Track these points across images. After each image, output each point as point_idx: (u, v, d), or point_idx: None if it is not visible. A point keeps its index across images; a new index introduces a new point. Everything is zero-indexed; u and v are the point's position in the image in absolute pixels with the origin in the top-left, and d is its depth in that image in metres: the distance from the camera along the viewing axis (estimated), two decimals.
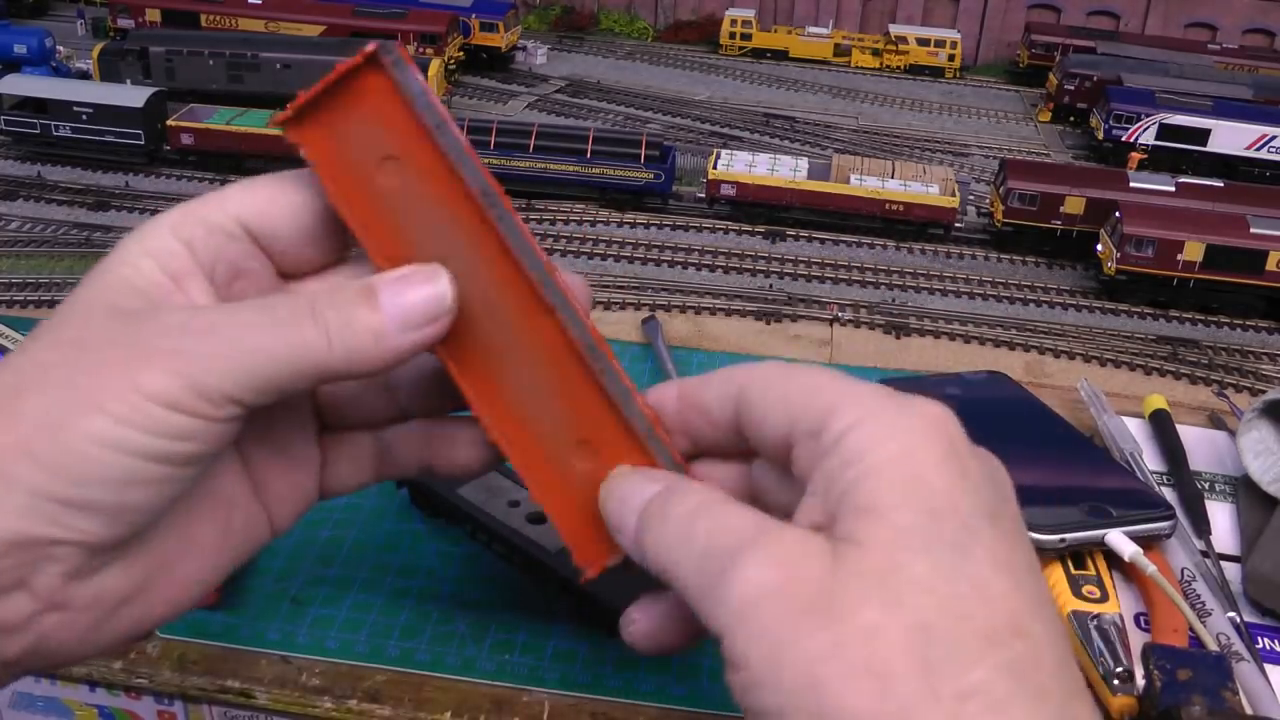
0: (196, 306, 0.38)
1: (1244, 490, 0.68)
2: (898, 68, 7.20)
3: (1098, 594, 0.58)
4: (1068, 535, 0.59)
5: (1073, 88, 6.42)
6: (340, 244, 0.41)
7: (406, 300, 0.37)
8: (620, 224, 5.09)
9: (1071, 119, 6.46)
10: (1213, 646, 0.55)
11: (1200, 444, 0.74)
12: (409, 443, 0.44)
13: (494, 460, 0.43)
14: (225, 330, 0.36)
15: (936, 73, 7.17)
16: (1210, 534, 0.65)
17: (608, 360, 0.39)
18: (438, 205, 0.38)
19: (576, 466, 0.40)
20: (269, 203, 0.40)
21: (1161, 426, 0.74)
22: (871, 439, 0.34)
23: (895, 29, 7.29)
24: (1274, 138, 5.89)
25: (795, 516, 0.34)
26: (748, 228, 5.12)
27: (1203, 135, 5.92)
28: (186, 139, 4.89)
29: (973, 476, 0.34)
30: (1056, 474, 0.66)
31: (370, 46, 0.37)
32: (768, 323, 4.46)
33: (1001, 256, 5.03)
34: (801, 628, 0.31)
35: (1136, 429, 0.74)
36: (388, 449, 0.44)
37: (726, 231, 5.04)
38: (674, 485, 0.37)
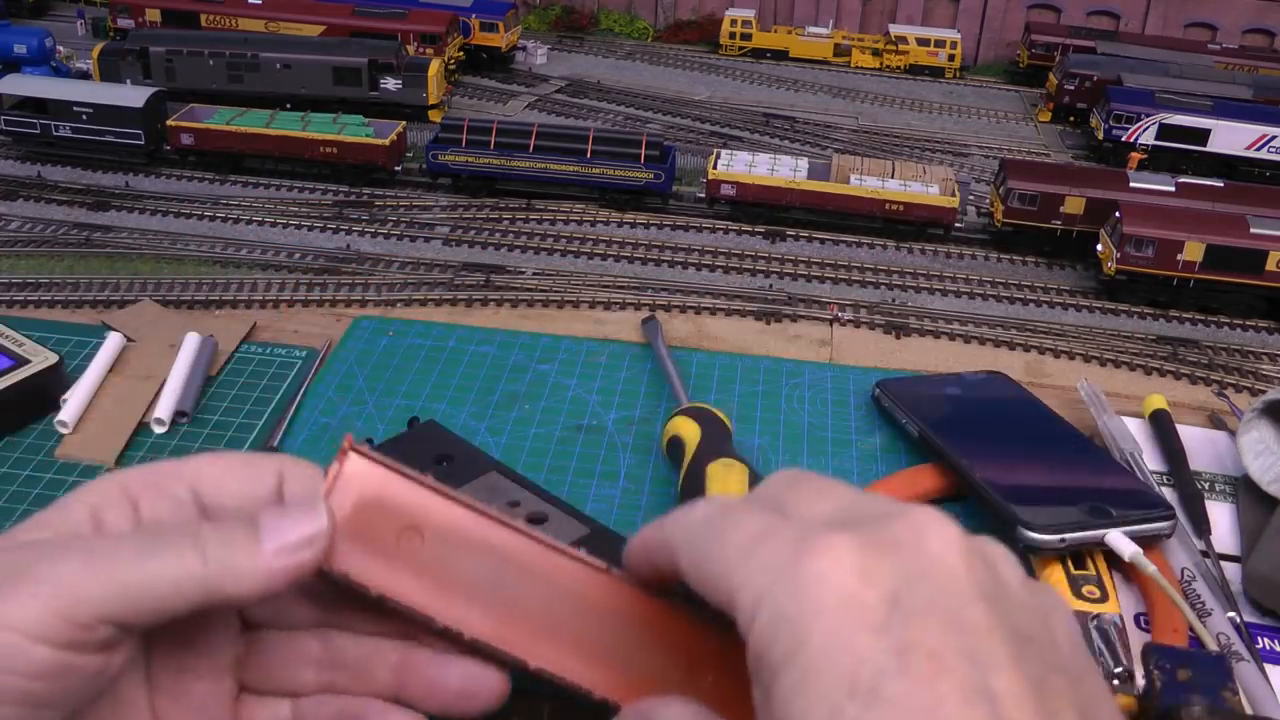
0: (83, 535, 0.38)
1: (1244, 490, 0.68)
2: (898, 68, 7.20)
3: (1098, 594, 0.58)
4: (1068, 535, 0.59)
5: (1073, 88, 6.42)
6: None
7: (287, 523, 0.38)
8: (620, 224, 5.09)
9: (1071, 119, 6.45)
10: (1213, 646, 0.55)
11: (1200, 444, 0.74)
12: (374, 659, 0.41)
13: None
14: (102, 553, 0.36)
15: (936, 73, 7.17)
16: (1210, 534, 0.65)
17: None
18: (470, 546, 0.40)
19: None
20: (227, 475, 0.40)
21: (1161, 426, 0.74)
22: (767, 635, 0.31)
23: (895, 29, 7.29)
24: (1274, 138, 5.89)
25: None
26: (748, 228, 5.12)
27: (1203, 135, 5.92)
28: (186, 139, 4.89)
29: (868, 601, 0.30)
30: (1056, 474, 0.66)
31: (344, 446, 0.40)
32: (768, 323, 4.45)
33: (1001, 256, 5.03)
34: None
35: (1136, 429, 0.74)
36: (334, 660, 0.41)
37: (726, 231, 5.04)
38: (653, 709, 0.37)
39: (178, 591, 0.36)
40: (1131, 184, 5.16)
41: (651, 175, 5.25)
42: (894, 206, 5.35)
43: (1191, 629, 0.56)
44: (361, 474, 0.40)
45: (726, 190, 5.17)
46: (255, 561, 0.38)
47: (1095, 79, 6.36)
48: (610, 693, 0.39)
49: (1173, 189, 5.06)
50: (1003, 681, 0.29)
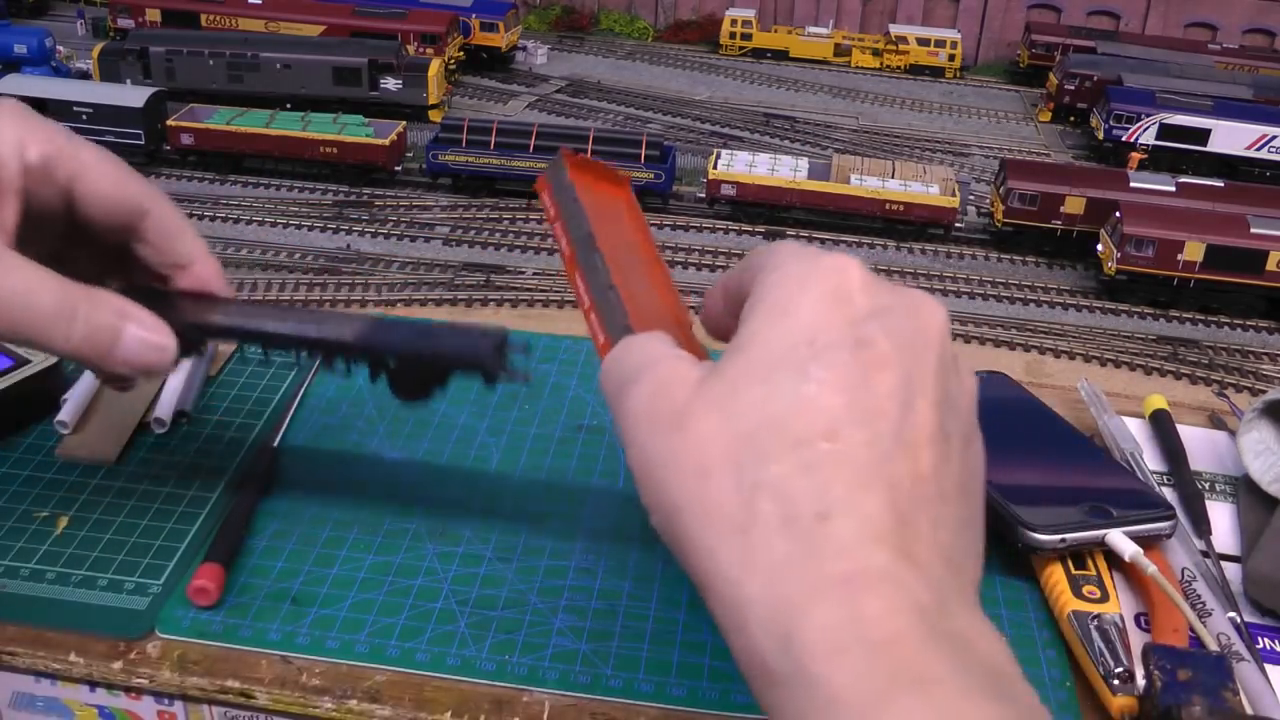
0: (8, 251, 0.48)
1: (1244, 490, 0.68)
2: (898, 68, 7.19)
3: (1098, 594, 0.58)
4: (1068, 535, 0.59)
5: (1073, 88, 6.42)
6: (136, 219, 0.53)
7: (145, 345, 0.50)
8: None
9: (1071, 119, 6.46)
10: (1213, 646, 0.55)
11: (1200, 444, 0.74)
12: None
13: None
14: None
15: (936, 73, 7.17)
16: (1210, 534, 0.65)
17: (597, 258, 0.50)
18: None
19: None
20: (104, 185, 0.51)
21: (1161, 426, 0.74)
22: (768, 285, 0.39)
23: (895, 29, 7.29)
24: (1274, 138, 5.89)
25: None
26: (748, 228, 5.12)
27: (1203, 135, 5.92)
28: (186, 139, 4.89)
29: (847, 314, 0.38)
30: (1056, 474, 0.66)
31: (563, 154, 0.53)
32: None
33: (1001, 256, 5.03)
34: (657, 439, 0.37)
35: (1136, 429, 0.74)
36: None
37: (726, 231, 5.04)
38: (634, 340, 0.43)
39: (29, 339, 0.47)
40: (1131, 184, 5.16)
41: (651, 175, 5.25)
42: (894, 206, 5.35)
43: (1191, 629, 0.56)
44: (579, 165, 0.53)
45: (727, 190, 5.17)
46: (103, 361, 0.49)
47: (1095, 79, 6.37)
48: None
49: (1173, 189, 5.06)
50: (922, 406, 0.37)
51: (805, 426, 0.35)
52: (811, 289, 0.38)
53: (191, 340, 0.53)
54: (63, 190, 0.50)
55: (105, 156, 0.52)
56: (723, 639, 0.35)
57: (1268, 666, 0.56)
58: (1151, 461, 0.71)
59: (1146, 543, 0.60)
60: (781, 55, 7.33)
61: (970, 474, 0.41)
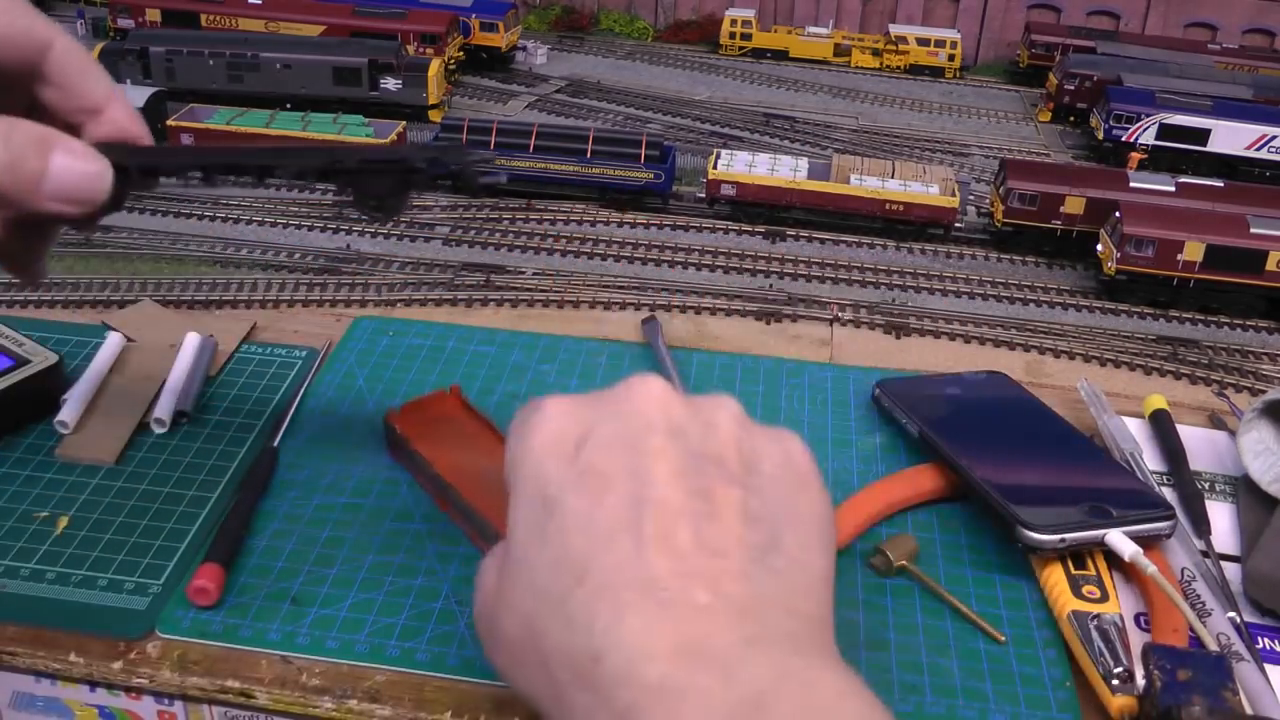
0: None
1: (1244, 490, 0.68)
2: (898, 68, 7.19)
3: (1098, 594, 0.58)
4: (1068, 535, 0.59)
5: (1073, 88, 6.42)
6: (35, 54, 0.46)
7: (74, 172, 0.43)
8: (620, 224, 5.08)
9: (1071, 119, 6.46)
10: (1213, 646, 0.55)
11: (1200, 444, 0.74)
12: None
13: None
14: None
15: (936, 73, 7.17)
16: (1210, 534, 0.65)
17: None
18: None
19: None
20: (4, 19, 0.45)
21: (1161, 426, 0.74)
22: (508, 468, 0.43)
23: (895, 29, 7.29)
24: (1274, 138, 5.89)
25: None
26: (748, 228, 5.12)
27: (1203, 135, 5.92)
28: (186, 139, 4.89)
29: (568, 448, 0.40)
30: (1056, 474, 0.66)
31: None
32: (768, 323, 4.46)
33: (1001, 256, 5.03)
34: (484, 622, 0.44)
35: (1136, 429, 0.74)
36: None
37: (726, 231, 5.04)
38: None
39: None
40: (1131, 184, 5.16)
41: (651, 175, 5.25)
42: (894, 206, 5.35)
43: (1191, 629, 0.56)
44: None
45: (726, 190, 5.17)
46: (29, 198, 0.42)
47: (1095, 79, 6.37)
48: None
49: (1173, 189, 5.06)
50: (658, 492, 0.38)
51: (558, 583, 0.37)
52: (530, 445, 0.41)
53: (135, 176, 0.47)
54: None
55: None
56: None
57: (1267, 666, 0.56)
58: (1151, 461, 0.71)
59: (1146, 543, 0.60)
60: (781, 55, 7.32)
61: (768, 510, 0.40)
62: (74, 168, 0.43)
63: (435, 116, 5.82)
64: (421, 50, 6.28)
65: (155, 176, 0.47)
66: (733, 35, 7.36)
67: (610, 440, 0.40)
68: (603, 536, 0.37)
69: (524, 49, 6.94)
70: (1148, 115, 5.96)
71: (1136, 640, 0.57)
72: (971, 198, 5.42)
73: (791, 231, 5.20)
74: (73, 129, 0.48)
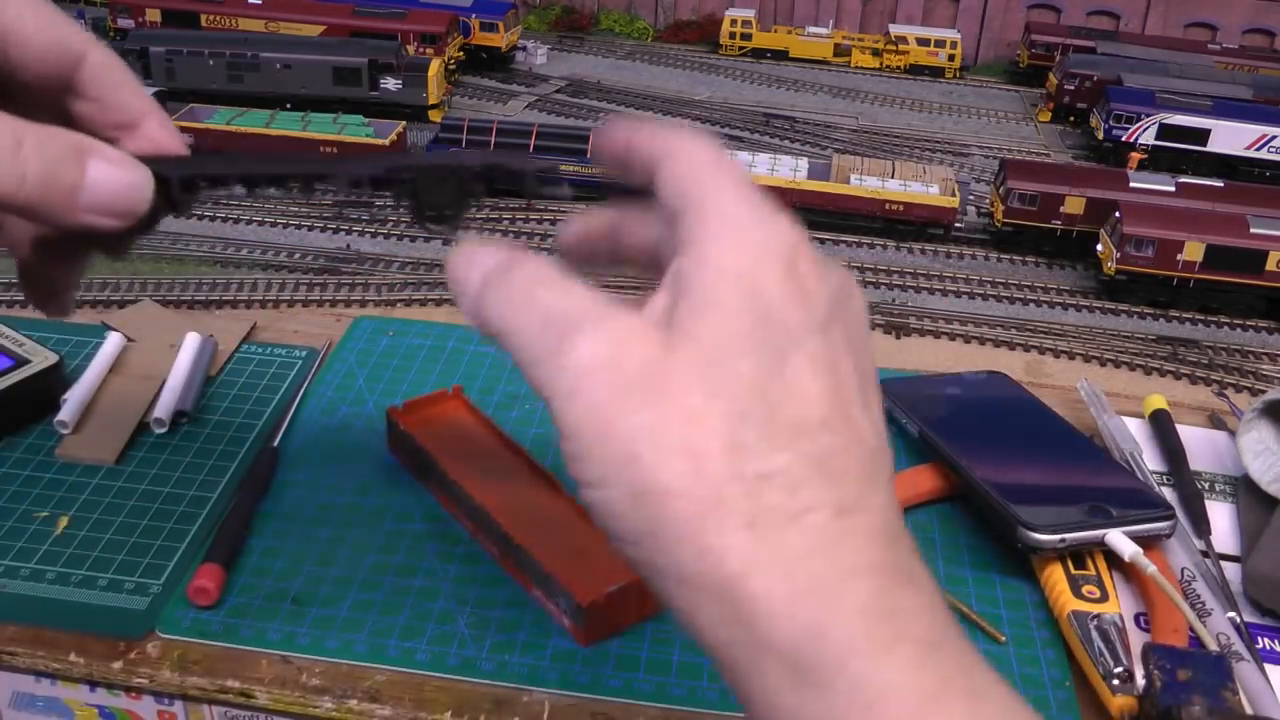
0: None
1: (1244, 490, 0.68)
2: (898, 68, 7.19)
3: (1098, 594, 0.58)
4: (1068, 535, 0.59)
5: (1073, 88, 6.42)
6: (70, 66, 0.43)
7: (113, 189, 0.39)
8: None
9: (1071, 119, 6.45)
10: (1213, 646, 0.55)
11: (1200, 444, 0.74)
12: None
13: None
14: None
15: (936, 73, 7.17)
16: (1210, 534, 0.65)
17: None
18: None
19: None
20: (32, 27, 0.41)
21: (1161, 426, 0.74)
22: (725, 250, 0.35)
23: (895, 29, 7.29)
24: (1274, 138, 5.89)
25: (645, 308, 0.35)
26: None
27: (1203, 135, 5.92)
28: (187, 139, 4.90)
29: (809, 296, 0.35)
30: (1056, 474, 0.66)
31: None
32: None
33: (1001, 256, 5.03)
34: (628, 404, 0.32)
35: (1136, 429, 0.74)
36: None
37: None
38: (518, 256, 0.37)
39: None
40: (1131, 184, 5.16)
41: None
42: (894, 206, 5.35)
43: (1191, 629, 0.56)
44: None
45: None
46: (68, 211, 0.38)
47: (1095, 79, 6.37)
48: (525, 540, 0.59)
49: (1173, 189, 5.06)
50: (874, 397, 0.36)
51: (801, 414, 0.33)
52: (774, 266, 0.35)
53: (176, 188, 0.43)
54: None
55: None
56: (700, 637, 0.33)
57: (1267, 666, 0.56)
58: (1151, 461, 0.71)
59: (1146, 543, 0.60)
60: (781, 55, 7.32)
61: None
62: (113, 176, 0.40)
63: (435, 116, 5.82)
64: (421, 50, 6.28)
65: (196, 189, 0.43)
66: (733, 35, 7.35)
67: (847, 317, 0.36)
68: (842, 403, 0.34)
69: (524, 49, 6.94)
70: (1148, 115, 5.96)
71: (1136, 640, 0.57)
72: (971, 198, 5.42)
73: None
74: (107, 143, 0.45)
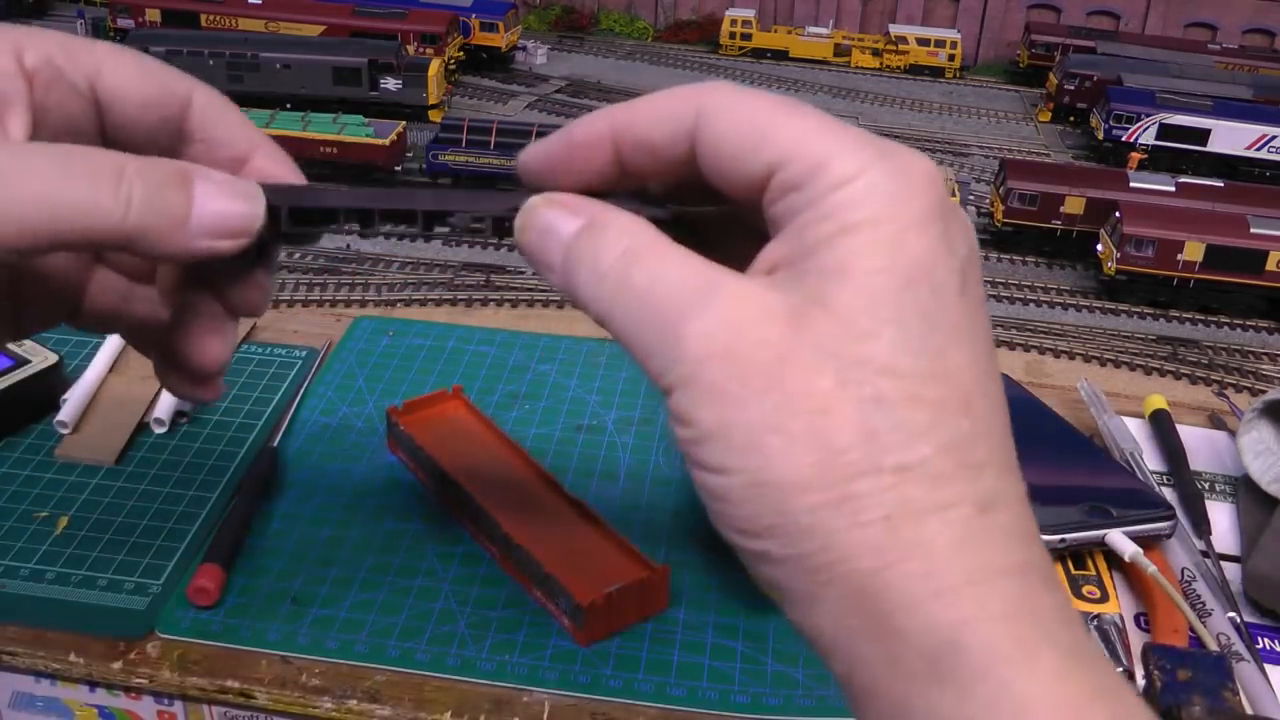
0: None
1: (1244, 490, 0.68)
2: (898, 68, 7.19)
3: (1098, 594, 0.58)
4: (1068, 535, 0.59)
5: (1073, 88, 6.42)
6: (178, 111, 0.41)
7: (221, 207, 0.36)
8: None
9: (1071, 119, 6.45)
10: (1213, 646, 0.55)
11: (1200, 444, 0.74)
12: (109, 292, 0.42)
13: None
14: (8, 171, 0.33)
15: (936, 73, 7.16)
16: (1210, 534, 0.65)
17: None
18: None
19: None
20: (130, 75, 0.39)
21: (1161, 426, 0.74)
22: (860, 195, 0.31)
23: (895, 29, 7.28)
24: (1274, 138, 5.89)
25: (755, 263, 0.32)
26: None
27: (1203, 135, 5.91)
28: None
29: (952, 239, 0.31)
30: (1056, 474, 0.66)
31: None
32: None
33: (1001, 256, 5.02)
34: (752, 391, 0.30)
35: (1136, 429, 0.74)
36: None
37: None
38: (598, 220, 0.34)
39: (81, 235, 0.34)
40: (1131, 184, 5.15)
41: None
42: None
43: (1191, 629, 0.56)
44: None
45: None
46: (176, 237, 0.36)
47: (1095, 79, 6.37)
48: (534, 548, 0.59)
49: (1173, 189, 5.06)
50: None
51: (942, 395, 0.30)
52: (918, 207, 0.31)
53: (286, 219, 0.39)
54: (84, 95, 0.39)
55: (124, 49, 0.40)
56: (818, 625, 0.30)
57: (1268, 666, 0.56)
58: (1151, 461, 0.71)
59: (1146, 543, 0.60)
60: (781, 55, 7.31)
61: None
62: (221, 193, 0.37)
63: (435, 116, 5.81)
64: (421, 50, 6.27)
65: (311, 221, 0.39)
66: (733, 35, 7.35)
67: (975, 262, 0.33)
68: (983, 372, 0.31)
69: (524, 49, 6.94)
70: (1148, 115, 5.96)
71: (1136, 640, 0.57)
72: (971, 198, 5.42)
73: None
74: None
